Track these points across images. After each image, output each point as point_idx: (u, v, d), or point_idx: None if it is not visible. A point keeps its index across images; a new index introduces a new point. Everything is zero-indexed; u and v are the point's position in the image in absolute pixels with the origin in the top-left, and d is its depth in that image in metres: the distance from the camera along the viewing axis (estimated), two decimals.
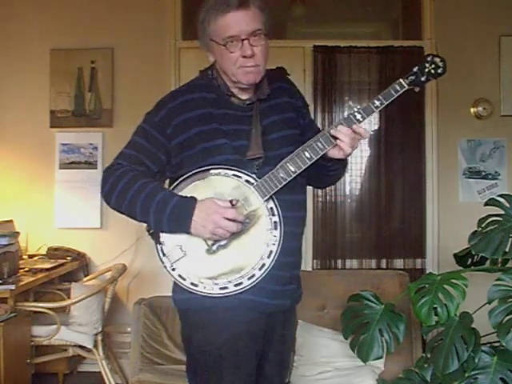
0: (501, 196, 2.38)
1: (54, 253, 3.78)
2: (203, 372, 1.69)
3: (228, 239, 1.59)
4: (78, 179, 4.01)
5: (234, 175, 1.62)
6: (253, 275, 1.62)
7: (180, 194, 1.63)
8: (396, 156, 4.03)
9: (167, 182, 1.74)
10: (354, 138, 1.63)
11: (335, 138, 1.63)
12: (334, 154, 1.66)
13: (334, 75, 4.02)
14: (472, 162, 4.02)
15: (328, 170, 1.76)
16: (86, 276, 3.90)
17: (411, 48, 3.95)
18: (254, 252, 1.61)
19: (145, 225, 1.67)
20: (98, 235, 4.01)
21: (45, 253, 3.82)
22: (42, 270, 3.37)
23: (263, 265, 1.62)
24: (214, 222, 1.55)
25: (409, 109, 3.97)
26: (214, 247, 1.61)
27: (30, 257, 3.81)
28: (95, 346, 3.38)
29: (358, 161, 4.02)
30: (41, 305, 3.26)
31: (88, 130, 4.04)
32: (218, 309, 1.64)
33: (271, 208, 1.63)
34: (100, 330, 3.39)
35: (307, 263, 3.89)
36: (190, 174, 1.64)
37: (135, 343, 2.90)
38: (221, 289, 1.62)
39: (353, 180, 4.08)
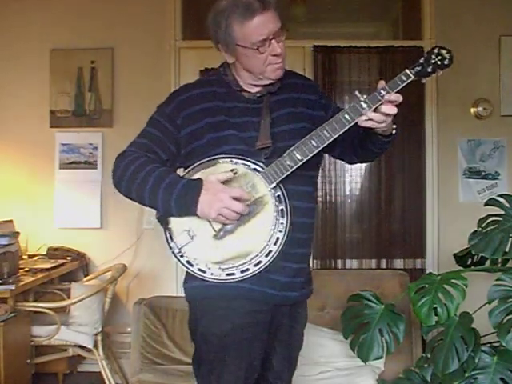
0: (501, 196, 2.39)
1: (53, 253, 3.78)
2: (207, 361, 1.70)
3: (234, 224, 1.59)
4: (78, 179, 4.00)
5: (242, 164, 1.63)
6: (259, 262, 1.62)
7: None
8: (396, 156, 4.03)
9: (179, 171, 1.76)
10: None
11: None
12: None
13: (334, 75, 4.02)
14: (472, 161, 4.01)
15: (384, 143, 1.75)
16: (85, 276, 3.89)
17: (411, 48, 3.94)
18: (261, 237, 1.60)
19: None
20: (98, 235, 4.01)
21: (45, 253, 3.81)
22: (42, 270, 3.36)
23: (270, 251, 1.62)
24: (220, 200, 1.54)
25: (409, 109, 3.97)
26: (221, 232, 1.60)
27: (30, 257, 3.81)
28: (95, 346, 3.37)
29: None
30: (41, 305, 3.26)
31: (88, 130, 4.04)
32: (221, 298, 1.64)
33: (278, 196, 1.64)
34: (100, 330, 3.39)
35: None
36: (200, 163, 1.66)
37: (135, 343, 2.90)
38: (227, 275, 1.62)
39: (353, 180, 4.08)
